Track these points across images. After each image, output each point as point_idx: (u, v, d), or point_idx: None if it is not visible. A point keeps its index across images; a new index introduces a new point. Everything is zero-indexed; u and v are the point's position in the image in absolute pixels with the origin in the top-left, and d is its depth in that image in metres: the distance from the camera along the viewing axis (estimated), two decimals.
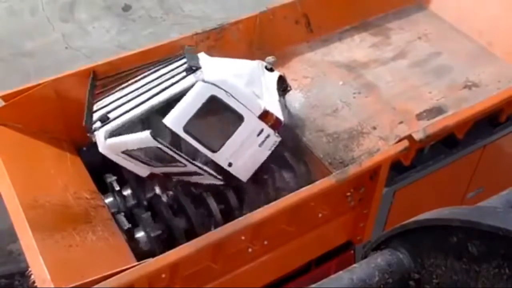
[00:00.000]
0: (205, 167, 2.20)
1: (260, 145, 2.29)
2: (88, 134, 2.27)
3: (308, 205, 2.24)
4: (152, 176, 2.35)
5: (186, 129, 2.14)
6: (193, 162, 2.18)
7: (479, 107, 2.49)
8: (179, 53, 2.42)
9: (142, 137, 2.14)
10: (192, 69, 2.20)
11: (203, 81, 2.16)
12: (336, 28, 3.17)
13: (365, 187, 2.38)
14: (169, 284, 1.96)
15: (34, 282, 1.79)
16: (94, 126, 2.21)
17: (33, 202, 2.07)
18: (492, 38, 3.11)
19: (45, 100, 2.42)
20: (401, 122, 2.66)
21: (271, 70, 2.53)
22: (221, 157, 2.22)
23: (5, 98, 2.36)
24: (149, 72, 2.41)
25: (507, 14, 3.08)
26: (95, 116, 2.28)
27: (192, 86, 2.16)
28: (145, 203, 2.46)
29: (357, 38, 3.22)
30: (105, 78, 2.48)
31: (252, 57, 2.60)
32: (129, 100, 2.28)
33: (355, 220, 2.51)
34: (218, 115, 2.21)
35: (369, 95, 2.83)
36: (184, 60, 2.33)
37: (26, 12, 5.51)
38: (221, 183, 2.30)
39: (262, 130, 2.27)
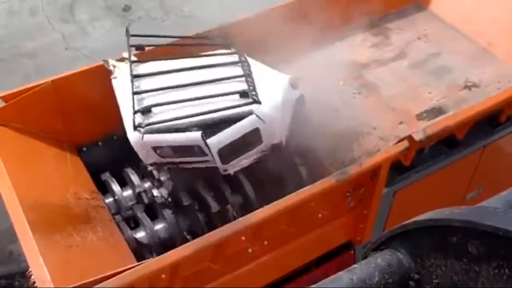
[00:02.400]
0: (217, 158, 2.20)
1: (254, 158, 2.31)
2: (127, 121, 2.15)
3: (308, 205, 2.24)
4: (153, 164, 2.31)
5: (219, 149, 2.15)
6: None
7: (479, 107, 2.49)
8: (226, 41, 2.42)
9: (191, 138, 2.08)
10: (247, 94, 2.17)
11: (256, 115, 2.15)
12: (336, 28, 3.17)
13: (365, 188, 2.38)
14: (169, 284, 1.96)
15: (34, 282, 1.79)
16: (138, 121, 2.10)
17: (33, 202, 2.07)
18: (492, 38, 3.11)
19: (45, 100, 2.42)
20: (401, 123, 2.66)
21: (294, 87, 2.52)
22: (225, 166, 2.24)
23: (5, 98, 2.36)
24: (195, 64, 2.31)
25: (507, 14, 3.08)
26: (136, 103, 2.14)
27: (244, 114, 2.14)
28: (145, 202, 2.46)
29: (357, 38, 3.22)
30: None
31: (251, 58, 2.59)
32: (174, 101, 2.15)
33: (355, 220, 2.51)
34: (244, 138, 2.20)
35: (369, 95, 2.84)
36: (234, 59, 2.32)
37: (26, 12, 5.52)
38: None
39: (266, 149, 2.31)
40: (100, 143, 2.64)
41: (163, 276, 1.90)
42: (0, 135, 2.32)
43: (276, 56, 2.64)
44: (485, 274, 0.95)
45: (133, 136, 2.13)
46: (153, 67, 2.31)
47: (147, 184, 2.48)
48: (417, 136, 2.29)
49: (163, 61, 2.35)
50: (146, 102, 2.15)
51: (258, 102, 2.15)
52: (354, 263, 1.13)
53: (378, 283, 1.08)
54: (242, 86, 2.20)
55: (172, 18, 5.54)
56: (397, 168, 2.48)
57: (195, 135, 2.08)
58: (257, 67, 2.38)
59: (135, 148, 2.18)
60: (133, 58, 2.35)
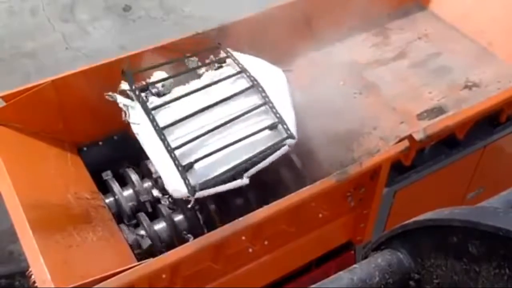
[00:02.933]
0: None
1: None
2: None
3: (309, 205, 2.24)
4: None
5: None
6: None
7: (479, 107, 2.49)
8: (239, 69, 2.38)
9: (240, 184, 2.12)
10: (276, 127, 2.22)
11: (289, 145, 2.20)
12: (337, 28, 3.17)
13: (365, 187, 2.38)
14: (169, 284, 1.96)
15: (34, 282, 1.79)
16: (190, 181, 2.05)
17: (33, 202, 2.07)
18: (492, 38, 3.10)
19: (45, 100, 2.42)
20: (401, 122, 2.66)
21: None
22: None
23: (5, 98, 2.36)
24: (214, 99, 2.27)
25: (507, 14, 3.07)
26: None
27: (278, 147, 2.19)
28: (145, 202, 2.46)
29: (357, 38, 3.22)
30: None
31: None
32: (214, 152, 2.13)
33: (356, 220, 2.51)
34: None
35: (370, 95, 2.83)
36: (244, 82, 2.33)
37: (27, 12, 5.52)
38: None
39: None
40: (100, 143, 2.64)
41: (163, 276, 1.90)
42: (0, 135, 2.32)
43: (276, 56, 2.64)
44: (485, 274, 0.95)
45: (179, 193, 2.10)
46: (172, 107, 2.25)
47: (147, 184, 2.49)
48: (418, 136, 2.28)
49: (176, 91, 2.31)
50: (184, 154, 2.12)
51: (292, 137, 2.20)
52: (354, 263, 1.13)
53: (378, 283, 1.08)
54: (268, 117, 2.24)
55: (172, 18, 5.54)
56: (397, 168, 2.48)
57: (243, 182, 2.12)
58: (247, 61, 2.39)
59: (174, 196, 2.16)
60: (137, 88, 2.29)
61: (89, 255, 2.06)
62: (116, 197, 2.45)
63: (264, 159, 2.16)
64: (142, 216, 2.43)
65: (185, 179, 2.04)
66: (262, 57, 2.63)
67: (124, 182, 2.52)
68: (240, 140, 2.16)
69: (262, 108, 2.27)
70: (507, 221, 0.90)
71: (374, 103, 2.78)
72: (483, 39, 3.13)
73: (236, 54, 2.49)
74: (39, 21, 5.43)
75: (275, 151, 2.18)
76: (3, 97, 2.36)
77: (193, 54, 2.48)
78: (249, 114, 2.24)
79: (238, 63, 2.37)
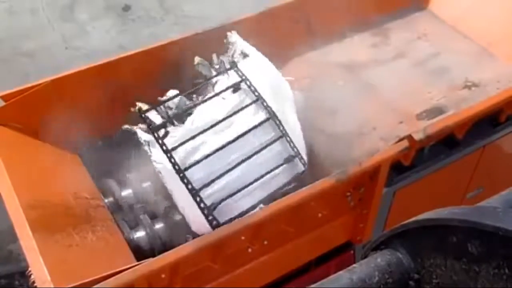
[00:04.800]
0: None
1: None
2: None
3: (308, 205, 2.24)
4: None
5: None
6: None
7: (479, 107, 2.49)
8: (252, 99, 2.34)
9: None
10: (291, 160, 2.28)
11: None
12: (336, 28, 3.17)
13: (365, 187, 2.38)
14: (169, 284, 1.96)
15: (34, 282, 1.79)
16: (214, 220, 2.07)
17: (33, 202, 2.07)
18: (492, 38, 3.11)
19: (45, 100, 2.42)
20: (401, 122, 2.66)
21: None
22: None
23: (5, 98, 2.36)
24: (232, 132, 2.27)
25: (507, 14, 3.08)
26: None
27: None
28: (145, 202, 2.46)
29: (357, 38, 3.22)
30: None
31: None
32: (237, 192, 2.15)
33: (355, 220, 2.51)
34: None
35: (369, 95, 2.83)
36: (263, 114, 2.32)
37: (26, 12, 5.51)
38: None
39: None
40: (100, 143, 2.64)
41: (162, 275, 1.90)
42: (0, 135, 2.32)
43: (276, 56, 2.64)
44: (485, 274, 0.95)
45: (202, 232, 2.11)
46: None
47: (147, 184, 2.48)
48: (417, 136, 2.28)
49: (190, 123, 2.29)
50: (208, 194, 2.12)
51: (305, 167, 2.28)
52: (354, 262, 1.13)
53: (378, 283, 1.08)
54: (284, 148, 2.28)
55: (172, 18, 5.54)
56: (397, 168, 2.48)
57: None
58: (256, 69, 2.38)
59: (193, 229, 2.18)
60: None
61: (89, 255, 2.06)
62: (116, 197, 2.45)
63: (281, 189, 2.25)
64: (142, 215, 2.43)
65: (211, 221, 2.05)
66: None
67: (124, 182, 2.52)
68: (262, 177, 2.19)
69: (280, 140, 2.30)
70: (507, 221, 0.90)
71: (374, 103, 2.78)
72: (483, 39, 3.13)
73: (248, 49, 2.46)
74: (38, 21, 5.43)
75: (291, 183, 2.26)
76: (2, 97, 2.36)
77: (211, 77, 2.45)
78: (268, 148, 2.26)
79: (254, 91, 2.33)
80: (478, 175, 2.94)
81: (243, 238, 2.10)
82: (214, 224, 2.04)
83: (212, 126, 2.23)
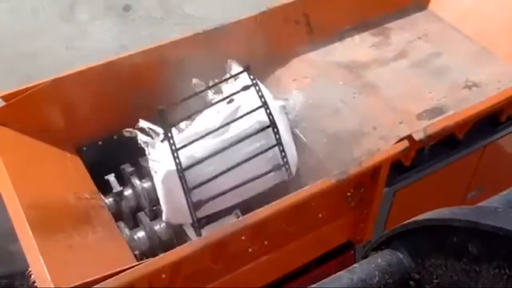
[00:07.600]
0: None
1: None
2: None
3: (309, 205, 2.24)
4: None
5: None
6: None
7: (480, 107, 2.49)
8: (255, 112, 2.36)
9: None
10: (280, 168, 2.37)
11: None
12: (336, 28, 3.17)
13: (365, 187, 2.38)
14: (169, 284, 1.96)
15: (34, 282, 1.79)
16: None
17: (33, 202, 2.07)
18: (492, 38, 3.10)
19: (45, 100, 2.42)
20: (401, 122, 2.66)
21: None
22: None
23: (5, 98, 2.36)
24: (231, 134, 2.33)
25: (507, 14, 3.07)
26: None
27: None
28: (145, 202, 2.46)
29: (357, 38, 3.21)
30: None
31: (252, 58, 2.60)
32: (223, 192, 2.25)
33: (356, 220, 2.51)
34: None
35: (369, 95, 2.83)
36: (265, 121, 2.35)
37: (27, 12, 5.51)
38: None
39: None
40: (100, 143, 2.64)
41: (163, 276, 1.90)
42: (0, 135, 2.32)
43: (276, 56, 2.64)
44: (485, 274, 0.95)
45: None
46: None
47: (147, 184, 2.48)
48: (418, 136, 2.28)
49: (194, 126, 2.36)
50: (198, 193, 2.19)
51: (289, 178, 2.37)
52: (354, 263, 1.13)
53: (378, 283, 1.08)
54: (275, 157, 2.33)
55: (173, 18, 5.54)
56: (397, 168, 2.48)
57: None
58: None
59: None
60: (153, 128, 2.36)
61: (89, 255, 2.06)
62: (116, 197, 2.45)
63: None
64: (142, 215, 2.43)
65: (195, 228, 2.18)
66: (261, 57, 2.63)
67: (124, 181, 2.52)
68: (249, 181, 2.26)
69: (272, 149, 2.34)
70: (507, 221, 0.90)
71: (374, 103, 2.78)
72: (483, 39, 3.13)
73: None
74: (39, 20, 5.43)
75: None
76: (3, 97, 2.36)
77: (220, 81, 2.48)
78: (261, 155, 2.30)
79: (261, 96, 2.35)
80: (479, 175, 2.94)
81: (243, 238, 2.09)
82: (196, 226, 2.15)
83: (211, 132, 2.27)
